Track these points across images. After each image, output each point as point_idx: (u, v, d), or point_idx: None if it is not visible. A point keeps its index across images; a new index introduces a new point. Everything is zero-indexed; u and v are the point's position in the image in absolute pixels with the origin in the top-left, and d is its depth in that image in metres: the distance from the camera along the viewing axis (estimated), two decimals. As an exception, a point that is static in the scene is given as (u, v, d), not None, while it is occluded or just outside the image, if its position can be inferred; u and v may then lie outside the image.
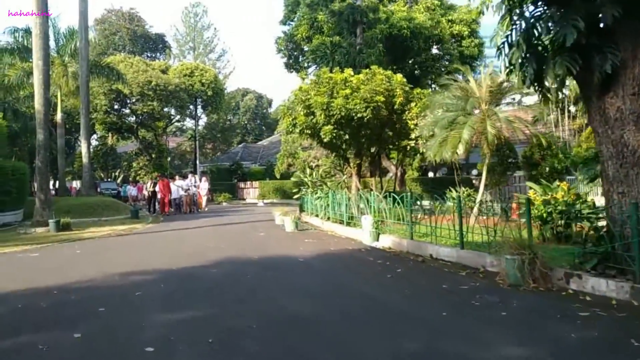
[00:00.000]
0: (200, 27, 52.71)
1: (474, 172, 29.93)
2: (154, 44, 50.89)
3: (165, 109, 41.43)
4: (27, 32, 23.23)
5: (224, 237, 13.39)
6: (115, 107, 41.92)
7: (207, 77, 42.30)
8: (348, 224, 13.22)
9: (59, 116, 28.39)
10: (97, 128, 42.14)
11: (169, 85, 38.33)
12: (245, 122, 67.32)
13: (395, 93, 14.64)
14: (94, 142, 48.43)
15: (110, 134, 45.42)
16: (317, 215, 16.52)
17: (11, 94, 34.54)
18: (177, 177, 22.63)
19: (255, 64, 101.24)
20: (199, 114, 46.00)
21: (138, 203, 32.66)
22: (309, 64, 29.12)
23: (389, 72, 15.36)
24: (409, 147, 15.13)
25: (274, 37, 27.81)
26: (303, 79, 32.17)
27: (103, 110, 38.88)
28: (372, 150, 16.79)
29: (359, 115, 14.13)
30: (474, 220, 10.20)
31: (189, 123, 52.92)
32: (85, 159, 24.62)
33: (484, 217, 8.87)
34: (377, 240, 10.99)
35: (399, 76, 15.08)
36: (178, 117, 48.25)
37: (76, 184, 48.84)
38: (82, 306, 5.90)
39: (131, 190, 29.71)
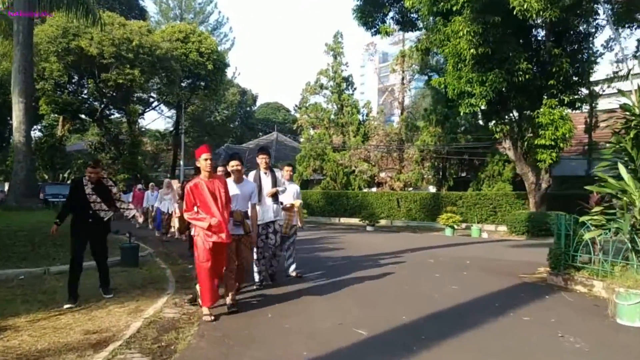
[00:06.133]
0: (190, -12, 40.64)
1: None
2: (128, 9, 38.42)
3: (150, 83, 29.13)
4: None
5: None
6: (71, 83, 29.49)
7: (206, 46, 30.43)
8: None
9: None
10: (42, 109, 29.05)
11: (157, 49, 26.29)
12: (226, 119, 54.81)
13: None
14: (37, 134, 35.42)
15: (61, 120, 32.45)
16: None
17: None
18: (284, 167, 8.37)
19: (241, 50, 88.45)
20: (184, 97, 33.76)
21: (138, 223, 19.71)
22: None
23: None
24: None
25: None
26: (387, 33, 21.08)
27: (54, 79, 26.30)
28: None
29: None
30: None
31: (159, 122, 40.56)
32: (19, 137, 12.34)
33: None
34: None
35: None
36: (156, 102, 36.00)
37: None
38: None
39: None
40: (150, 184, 16.02)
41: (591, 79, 18.27)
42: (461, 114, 18.40)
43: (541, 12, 13.92)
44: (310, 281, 7.94)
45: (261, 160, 7.33)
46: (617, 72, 20.37)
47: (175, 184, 15.47)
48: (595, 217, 7.14)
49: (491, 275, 8.81)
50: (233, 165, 6.30)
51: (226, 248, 5.72)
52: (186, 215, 5.66)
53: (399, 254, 11.67)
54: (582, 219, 7.35)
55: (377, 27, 20.53)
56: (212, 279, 5.67)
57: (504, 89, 16.37)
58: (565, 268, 7.77)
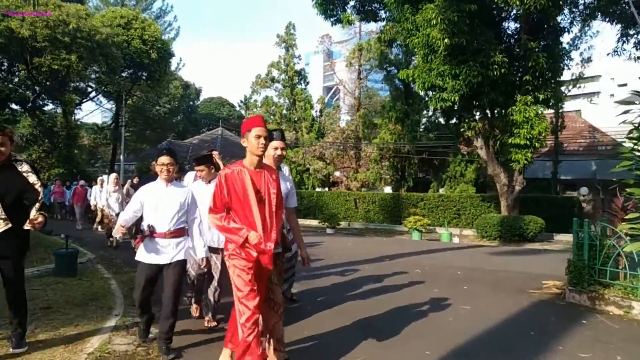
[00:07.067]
0: (131, -28, 37.80)
1: (583, 190, 18.86)
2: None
3: (88, 71, 26.48)
4: None
5: None
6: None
7: (150, 33, 28.15)
8: None
9: None
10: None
11: (96, 34, 23.85)
12: (169, 113, 51.63)
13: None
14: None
15: (-13, 110, 29.30)
16: None
17: None
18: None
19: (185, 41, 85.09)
20: (125, 87, 31.10)
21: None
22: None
23: None
24: None
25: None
26: (350, 22, 19.77)
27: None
28: None
29: None
30: None
31: (96, 115, 37.72)
32: None
33: None
34: None
35: None
36: (94, 93, 33.23)
37: None
38: None
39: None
40: (99, 178, 13.84)
41: (561, 78, 17.66)
42: (431, 109, 17.36)
43: (525, 0, 13.05)
44: (291, 304, 6.43)
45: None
46: (582, 72, 19.96)
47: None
48: (636, 226, 6.01)
49: (496, 290, 7.60)
50: (277, 146, 3.90)
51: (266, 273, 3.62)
52: (211, 220, 3.49)
53: (379, 263, 10.35)
54: (620, 227, 6.23)
55: (338, 15, 19.24)
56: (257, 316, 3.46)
57: (478, 83, 15.43)
58: (590, 284, 6.65)
